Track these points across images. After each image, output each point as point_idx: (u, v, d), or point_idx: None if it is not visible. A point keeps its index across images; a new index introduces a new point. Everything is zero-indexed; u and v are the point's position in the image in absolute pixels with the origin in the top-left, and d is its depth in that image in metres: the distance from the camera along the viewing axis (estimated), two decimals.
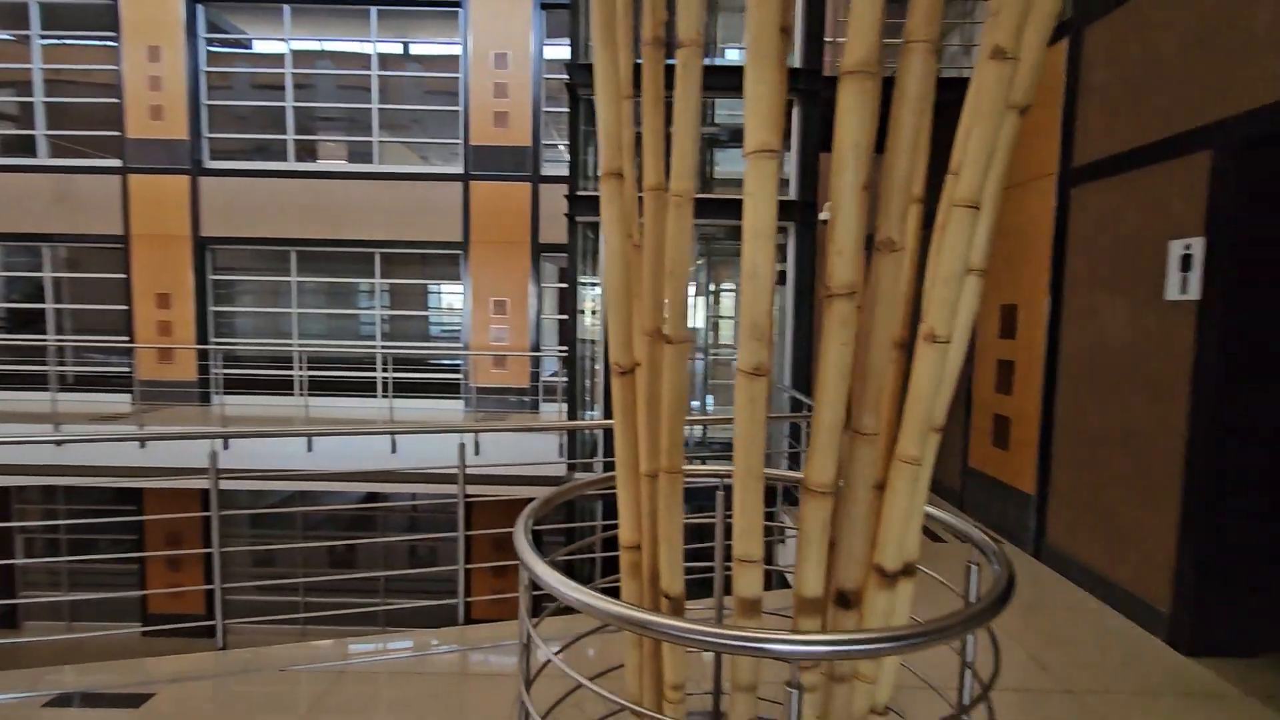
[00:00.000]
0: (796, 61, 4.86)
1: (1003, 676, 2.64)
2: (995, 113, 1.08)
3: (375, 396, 8.29)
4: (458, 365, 9.00)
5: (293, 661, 2.60)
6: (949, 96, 4.52)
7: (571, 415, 5.64)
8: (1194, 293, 2.70)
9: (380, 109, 8.64)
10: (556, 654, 1.30)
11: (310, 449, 6.63)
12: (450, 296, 9.26)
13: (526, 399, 8.65)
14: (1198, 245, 2.69)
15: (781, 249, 5.60)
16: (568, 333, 6.06)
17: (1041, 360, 3.73)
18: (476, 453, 6.64)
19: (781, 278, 5.77)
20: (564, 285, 8.66)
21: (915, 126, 0.99)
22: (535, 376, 8.62)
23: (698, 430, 6.26)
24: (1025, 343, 3.92)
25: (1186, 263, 2.74)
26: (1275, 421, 2.64)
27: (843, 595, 1.18)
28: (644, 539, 1.20)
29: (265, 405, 7.97)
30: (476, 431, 6.70)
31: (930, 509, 1.57)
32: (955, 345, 1.16)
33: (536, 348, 8.67)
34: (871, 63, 0.93)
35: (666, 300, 1.06)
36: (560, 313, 9.10)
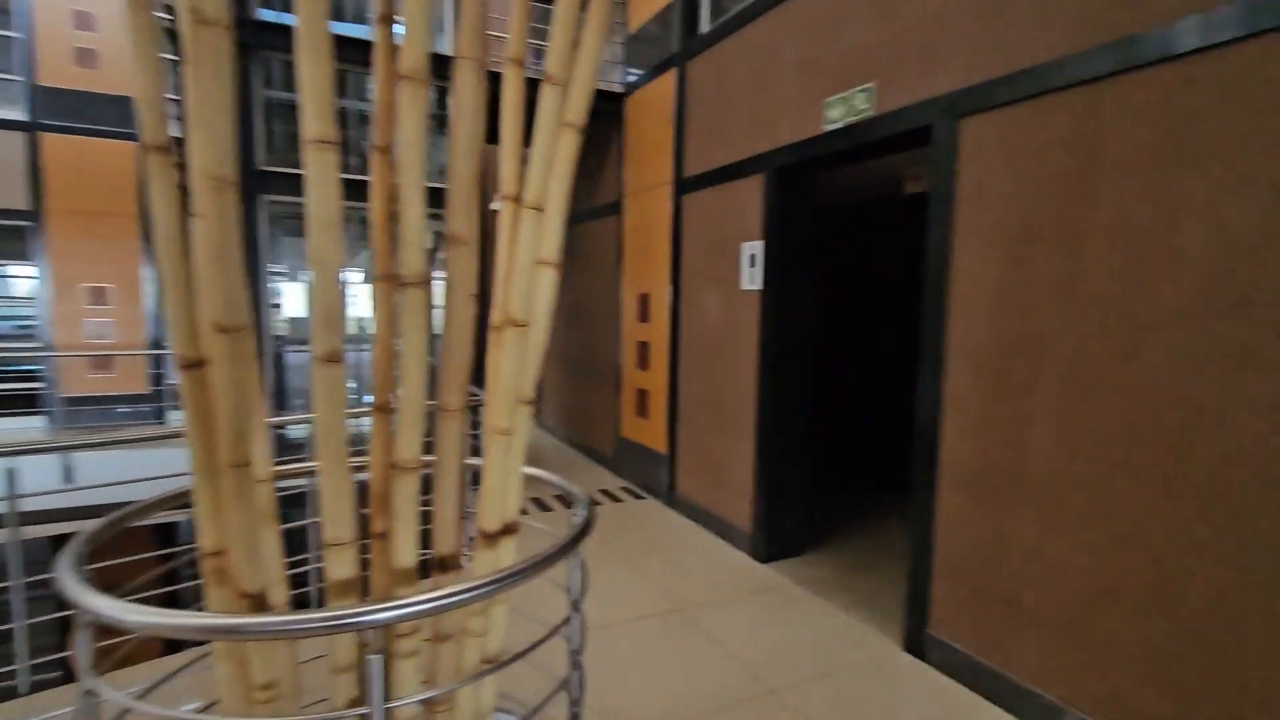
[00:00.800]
0: (446, 49, 4.86)
1: (635, 607, 3.09)
2: (551, 128, 1.25)
3: None
4: (36, 371, 6.96)
5: None
6: (603, 107, 4.84)
7: None
8: (758, 284, 3.50)
9: None
10: (139, 697, 1.15)
11: None
12: (19, 282, 7.09)
13: (146, 407, 7.12)
14: (759, 247, 3.48)
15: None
16: None
17: (667, 340, 4.43)
18: (68, 479, 5.25)
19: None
20: None
21: (472, 132, 1.11)
22: (158, 379, 7.13)
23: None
24: (656, 326, 4.60)
25: (753, 260, 3.53)
26: (801, 380, 3.58)
27: (441, 560, 1.28)
28: (227, 542, 1.13)
29: None
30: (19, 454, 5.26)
31: (539, 473, 1.78)
32: (535, 328, 1.33)
33: (158, 345, 7.18)
34: (422, 70, 1.02)
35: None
36: None
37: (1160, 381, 1.86)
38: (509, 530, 1.40)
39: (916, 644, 2.61)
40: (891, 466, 5.22)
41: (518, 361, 1.31)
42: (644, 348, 4.80)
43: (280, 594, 1.23)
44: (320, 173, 0.99)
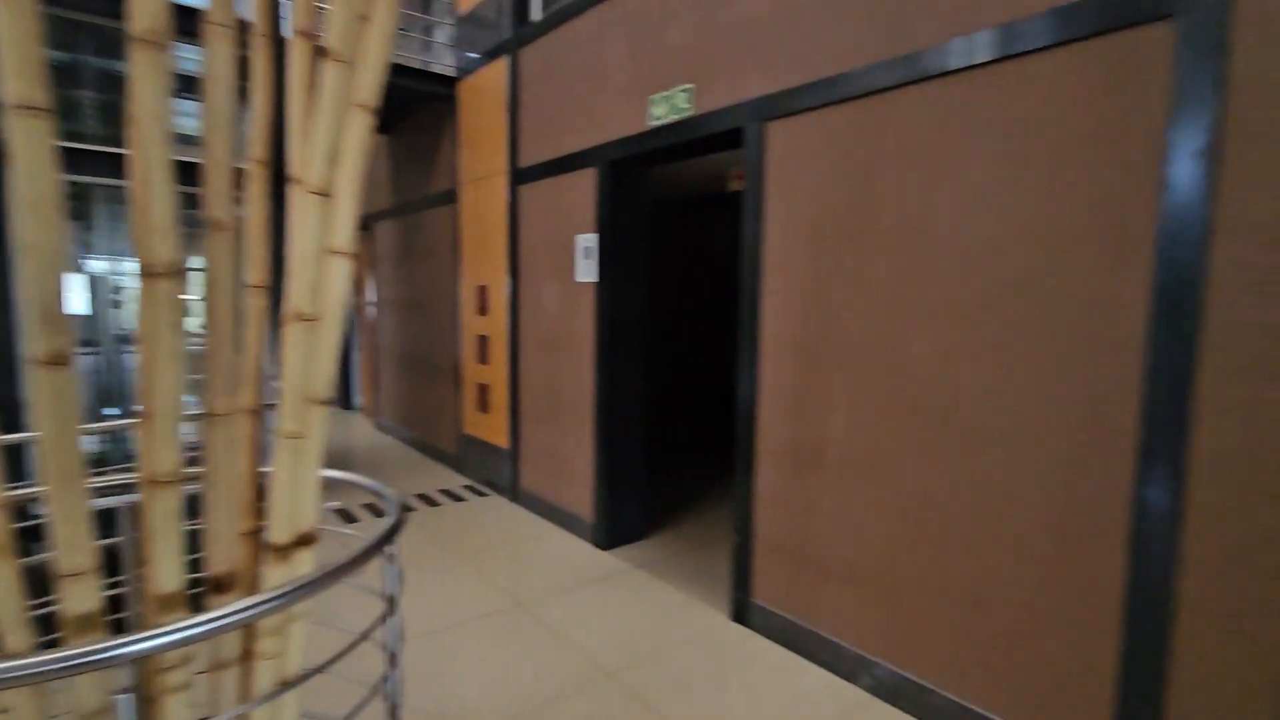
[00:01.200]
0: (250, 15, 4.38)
1: (475, 607, 3.00)
2: (335, 110, 1.17)
3: None
4: None
5: None
6: (436, 90, 4.58)
7: None
8: (593, 276, 3.54)
9: None
10: None
11: None
12: None
13: None
14: (593, 240, 3.52)
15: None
16: None
17: (506, 333, 4.35)
18: None
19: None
20: None
21: (229, 106, 1.01)
22: None
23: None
24: (495, 319, 4.50)
25: (588, 253, 3.56)
26: (636, 369, 3.68)
27: (217, 581, 1.16)
28: None
29: None
30: None
31: (345, 475, 1.67)
32: (328, 322, 1.24)
33: None
34: (159, 32, 0.90)
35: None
36: None
37: (930, 362, 2.14)
38: (304, 541, 1.30)
39: (743, 613, 2.79)
40: (726, 449, 5.54)
41: (307, 358, 1.21)
42: (484, 341, 4.67)
43: (21, 639, 1.05)
44: (28, 144, 0.85)
